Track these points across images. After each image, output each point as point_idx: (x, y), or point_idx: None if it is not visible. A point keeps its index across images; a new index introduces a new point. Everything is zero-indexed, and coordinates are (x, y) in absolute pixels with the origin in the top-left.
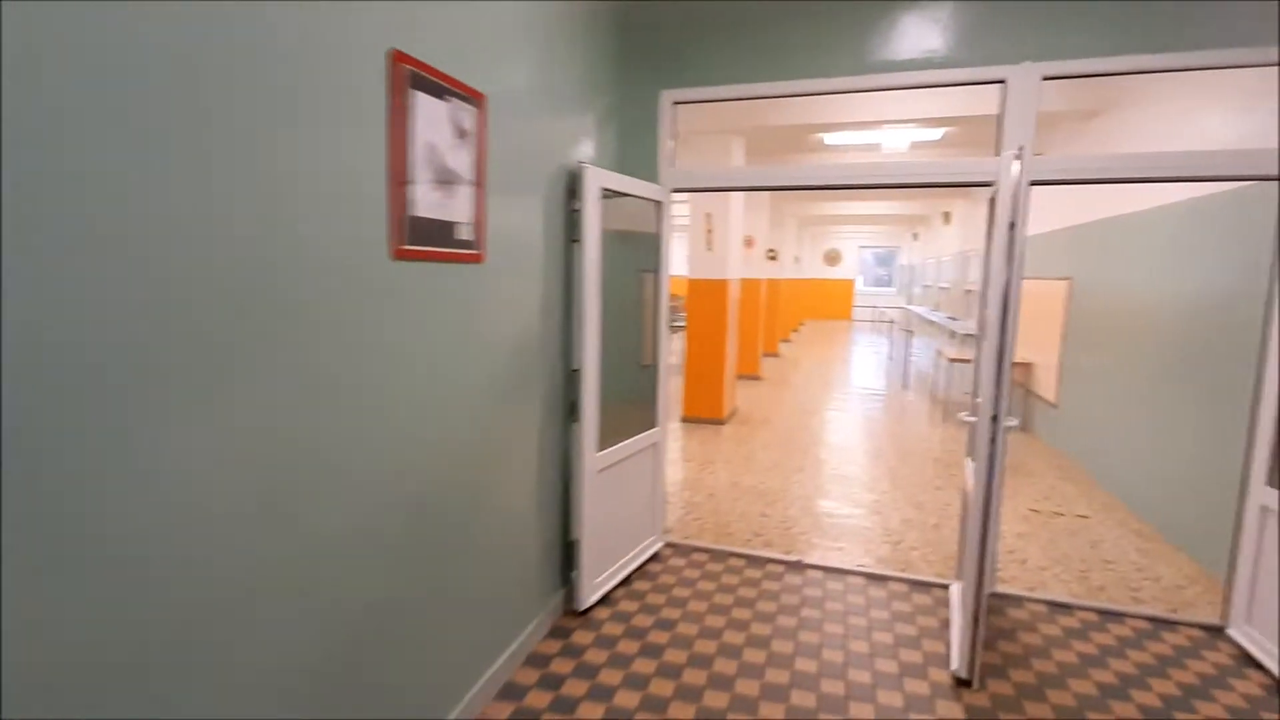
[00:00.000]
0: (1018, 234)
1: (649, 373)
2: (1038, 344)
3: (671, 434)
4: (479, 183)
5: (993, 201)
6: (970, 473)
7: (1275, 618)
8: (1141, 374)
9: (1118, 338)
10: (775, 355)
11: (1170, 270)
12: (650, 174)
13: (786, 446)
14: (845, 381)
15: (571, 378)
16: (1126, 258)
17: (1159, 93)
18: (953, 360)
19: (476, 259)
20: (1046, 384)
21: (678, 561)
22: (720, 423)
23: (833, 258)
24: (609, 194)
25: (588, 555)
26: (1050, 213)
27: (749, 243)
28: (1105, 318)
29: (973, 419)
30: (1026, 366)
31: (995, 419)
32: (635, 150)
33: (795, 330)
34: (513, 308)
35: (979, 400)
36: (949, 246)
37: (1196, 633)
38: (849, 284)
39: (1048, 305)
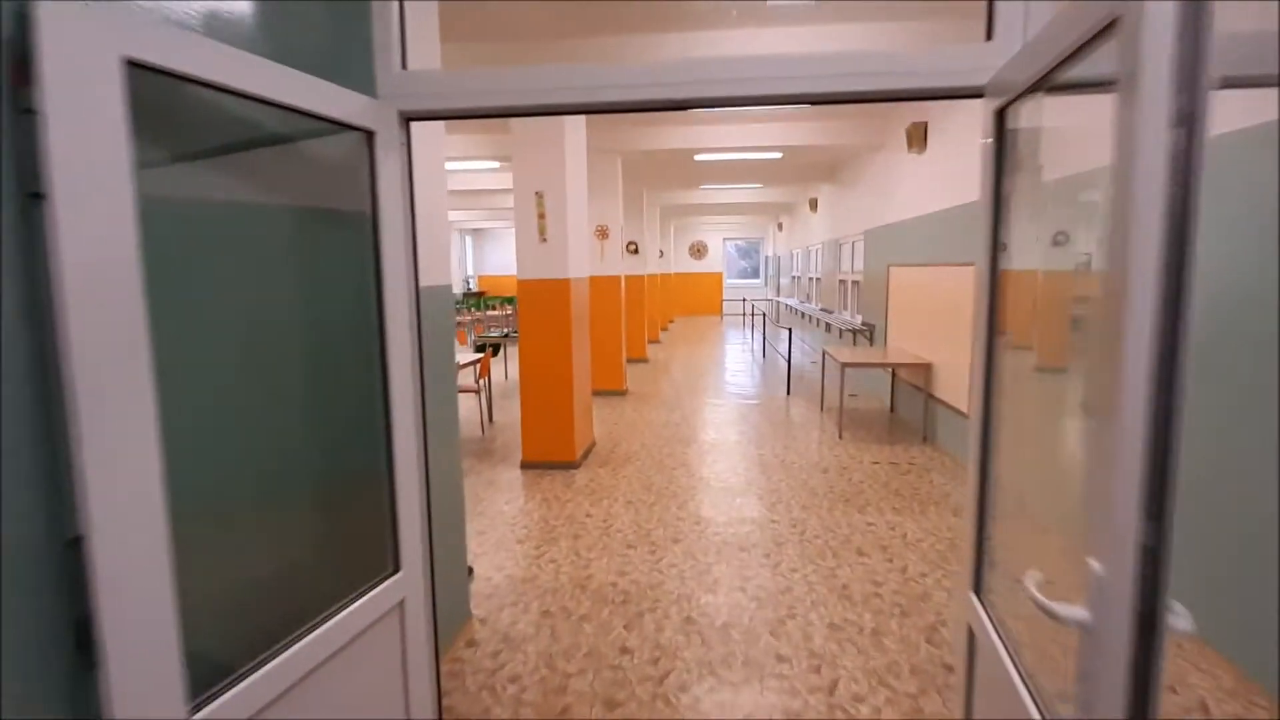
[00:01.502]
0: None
1: (369, 451)
2: (940, 342)
3: (505, 490)
4: None
5: (1000, 113)
6: None
7: None
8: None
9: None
10: (643, 361)
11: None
12: (359, 78)
13: (657, 498)
14: (722, 388)
15: (68, 559)
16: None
17: None
18: (848, 365)
19: None
20: (955, 390)
21: None
22: (572, 466)
23: (699, 250)
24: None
25: None
26: (945, 187)
27: (602, 233)
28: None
29: (1072, 614)
30: (925, 368)
31: (1153, 620)
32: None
33: (665, 329)
34: None
35: (1099, 575)
36: (818, 235)
37: None
38: (717, 277)
39: (952, 298)
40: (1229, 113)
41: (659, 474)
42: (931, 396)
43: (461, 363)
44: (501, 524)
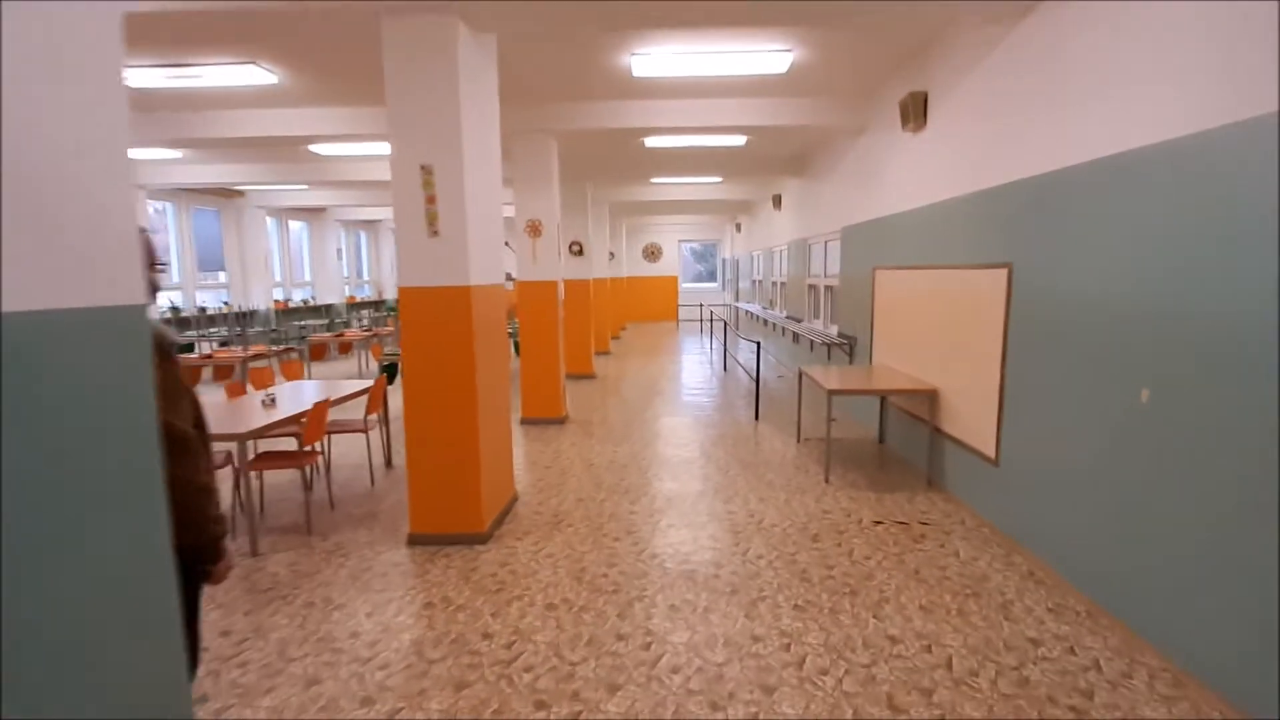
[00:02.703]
0: None
1: None
2: (948, 363)
3: (374, 586)
4: None
5: None
6: None
7: None
8: (1160, 417)
9: (1104, 359)
10: (588, 377)
11: (1194, 252)
12: None
13: (590, 597)
14: (679, 411)
15: None
16: (1108, 232)
17: None
18: (836, 393)
19: None
20: (976, 427)
21: None
22: (479, 540)
23: (653, 253)
24: None
25: None
26: (952, 171)
27: (533, 229)
28: (1076, 329)
29: None
30: (930, 395)
31: None
32: None
33: (616, 338)
34: None
35: None
36: (782, 235)
37: None
38: (673, 281)
39: (969, 306)
40: None
41: (596, 551)
42: (938, 431)
43: (341, 395)
44: (350, 659)
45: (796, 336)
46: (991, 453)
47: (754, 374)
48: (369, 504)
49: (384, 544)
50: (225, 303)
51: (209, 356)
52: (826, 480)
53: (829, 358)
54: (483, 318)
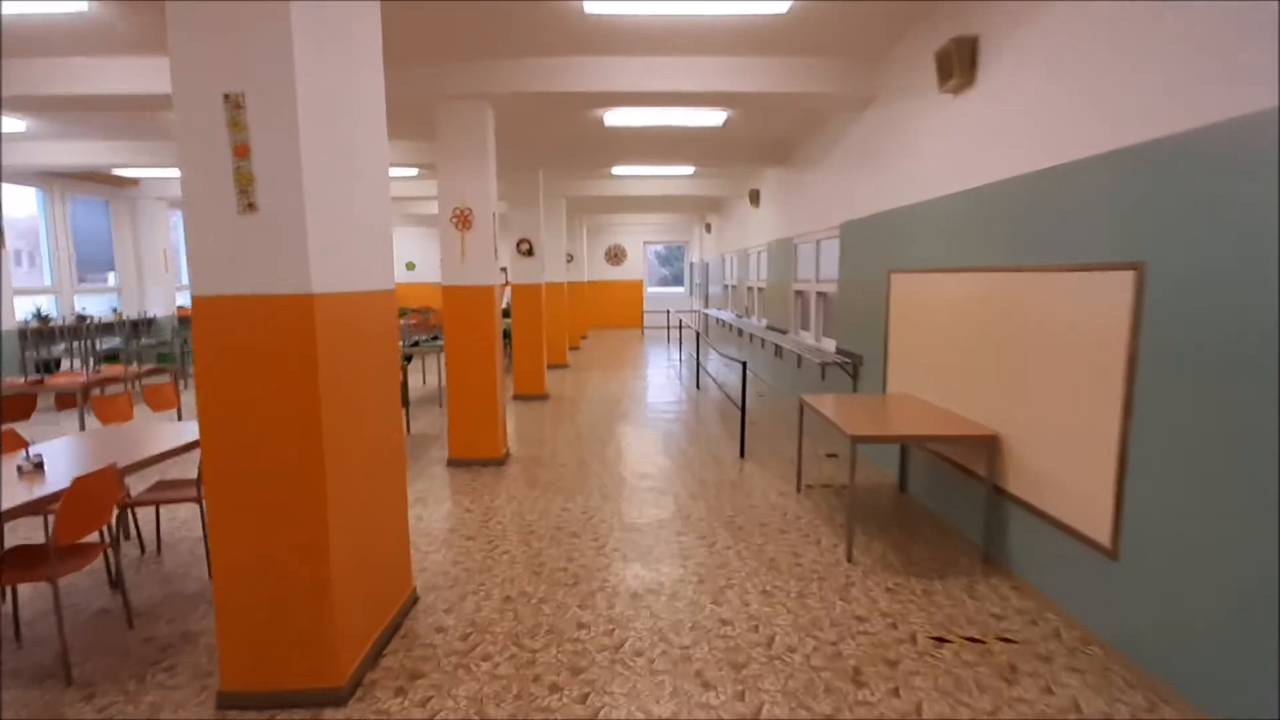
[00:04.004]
0: None
1: None
2: (1021, 400)
3: None
4: None
5: None
6: None
7: None
8: None
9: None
10: (540, 398)
11: None
12: None
13: None
14: (646, 447)
15: None
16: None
17: None
18: (861, 440)
19: None
20: (1074, 495)
21: None
22: (334, 701)
23: (617, 255)
24: None
25: None
26: (1012, 142)
27: (462, 220)
28: (1262, 360)
29: None
30: (989, 442)
31: None
32: None
33: (576, 348)
34: None
35: None
36: (761, 234)
37: None
38: (637, 285)
39: (1057, 323)
40: None
41: (522, 715)
42: (1000, 491)
43: (158, 453)
44: None
45: (780, 350)
46: (1104, 537)
47: (738, 400)
48: (189, 616)
49: (189, 705)
50: (115, 309)
51: (48, 379)
52: (849, 558)
53: (823, 378)
54: (344, 344)
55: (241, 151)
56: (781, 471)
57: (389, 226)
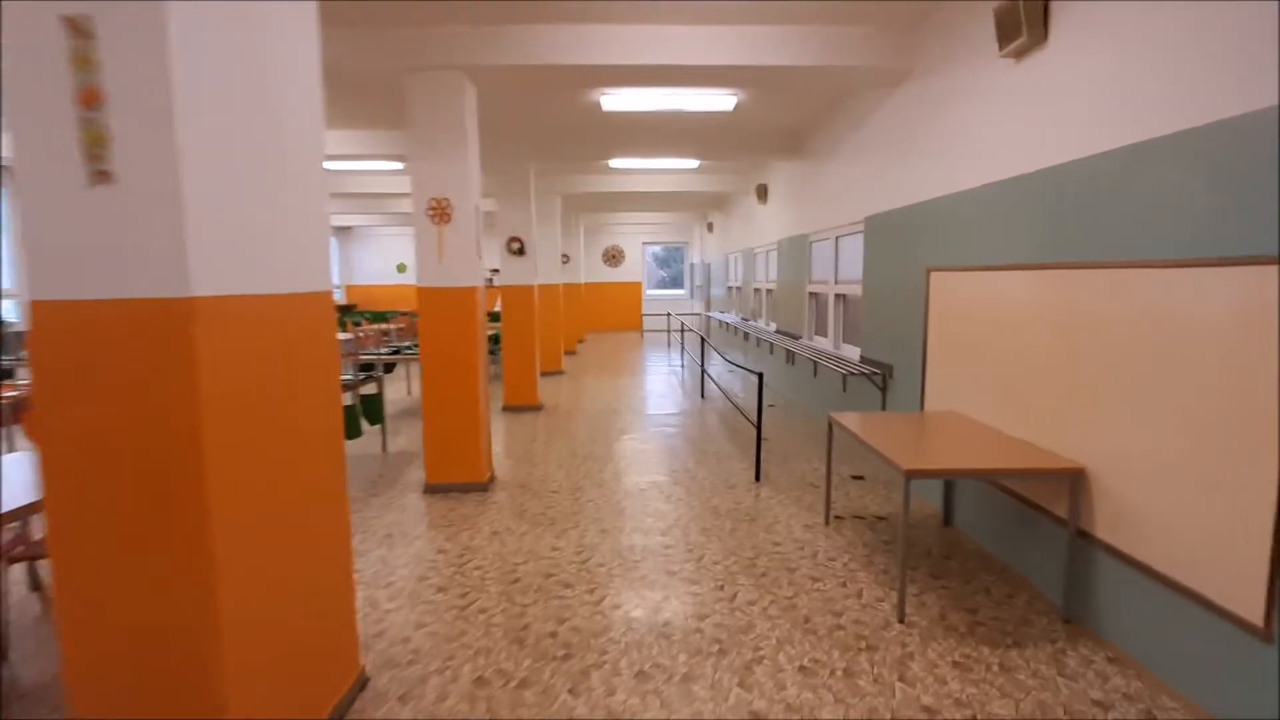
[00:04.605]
0: None
1: None
2: (1118, 428)
3: None
4: None
5: None
6: None
7: None
8: None
9: None
10: (533, 409)
11: None
12: None
13: None
14: (647, 467)
15: None
16: None
17: None
18: (915, 474)
19: None
20: (1206, 558)
21: None
22: None
23: (615, 256)
24: None
25: None
26: (1094, 113)
27: (439, 212)
28: None
29: None
30: (1074, 476)
31: None
32: None
33: (572, 352)
34: None
35: None
36: (769, 232)
37: None
38: (636, 288)
39: (1168, 332)
40: None
41: None
42: (1087, 536)
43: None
44: None
45: (792, 356)
46: (1253, 611)
47: (748, 412)
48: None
49: None
50: None
51: None
52: (900, 618)
53: (845, 390)
54: (248, 364)
55: (89, 98)
56: (802, 498)
57: (325, 210)
